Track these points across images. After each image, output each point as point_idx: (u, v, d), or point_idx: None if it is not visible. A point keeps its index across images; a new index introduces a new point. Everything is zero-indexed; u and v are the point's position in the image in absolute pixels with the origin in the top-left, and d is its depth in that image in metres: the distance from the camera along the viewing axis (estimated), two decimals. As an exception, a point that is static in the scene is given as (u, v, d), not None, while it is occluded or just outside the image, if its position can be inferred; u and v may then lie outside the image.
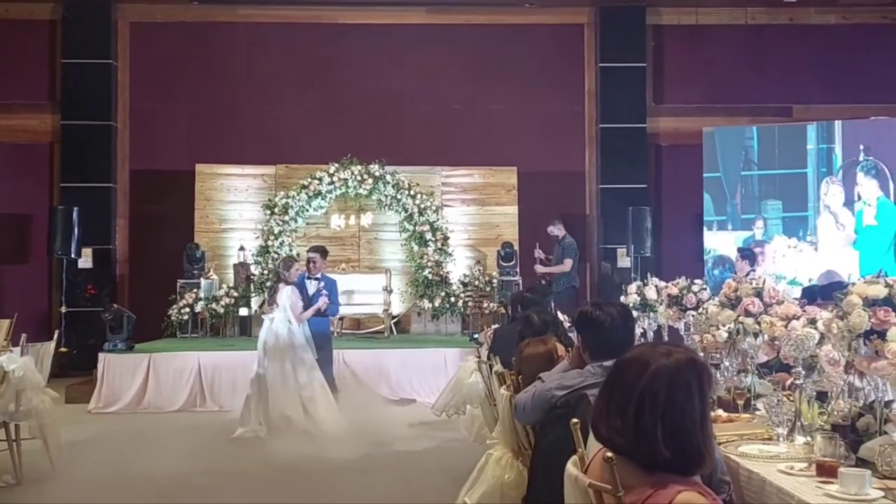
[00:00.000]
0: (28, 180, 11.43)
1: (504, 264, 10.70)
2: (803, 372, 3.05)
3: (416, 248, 10.91)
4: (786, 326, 3.07)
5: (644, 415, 1.98)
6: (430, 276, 10.66)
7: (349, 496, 5.43)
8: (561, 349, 3.90)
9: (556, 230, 10.53)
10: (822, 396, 3.20)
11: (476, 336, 8.73)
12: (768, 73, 11.83)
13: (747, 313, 3.51)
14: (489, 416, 4.89)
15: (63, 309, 10.66)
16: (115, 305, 9.51)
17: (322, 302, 7.56)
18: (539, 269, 10.43)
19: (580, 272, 11.79)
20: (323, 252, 7.97)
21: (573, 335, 4.52)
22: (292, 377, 7.14)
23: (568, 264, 10.35)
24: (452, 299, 10.55)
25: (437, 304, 10.53)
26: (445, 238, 10.87)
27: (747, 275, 6.35)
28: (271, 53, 11.73)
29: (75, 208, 10.70)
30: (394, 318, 10.50)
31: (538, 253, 10.53)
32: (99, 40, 11.43)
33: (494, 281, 10.65)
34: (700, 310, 4.27)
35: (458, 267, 11.00)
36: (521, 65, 11.88)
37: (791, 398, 3.23)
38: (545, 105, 11.91)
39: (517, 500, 3.85)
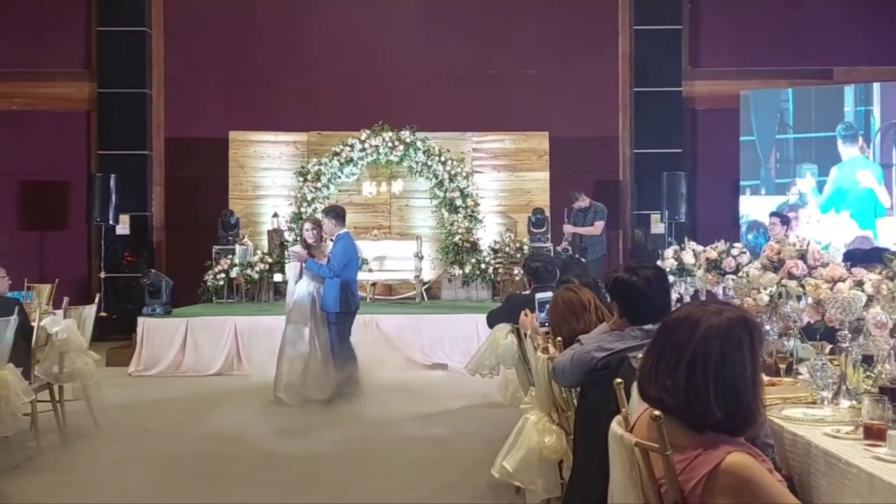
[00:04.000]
0: (66, 148, 11.57)
1: (535, 231, 10.66)
2: (849, 335, 3.02)
3: (446, 214, 10.90)
4: (831, 289, 3.02)
5: (695, 375, 1.97)
6: (460, 243, 10.66)
7: (383, 458, 5.49)
8: (595, 303, 3.89)
9: (582, 202, 10.38)
10: (866, 360, 3.17)
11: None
12: (808, 34, 11.57)
13: (790, 276, 3.47)
14: (524, 378, 4.90)
15: (103, 274, 10.83)
16: (153, 271, 9.64)
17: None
18: (568, 228, 10.35)
19: (612, 239, 11.73)
20: (328, 212, 7.53)
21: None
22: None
23: (599, 226, 10.22)
24: (483, 266, 10.55)
25: (467, 270, 10.54)
26: (476, 204, 10.84)
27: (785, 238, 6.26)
28: (304, 20, 11.70)
29: (112, 175, 10.83)
30: (425, 284, 10.53)
31: (567, 227, 10.49)
32: (133, 8, 11.47)
33: (525, 247, 10.62)
34: (740, 273, 4.22)
35: (489, 233, 10.98)
36: (554, 28, 11.74)
37: (835, 362, 3.20)
38: (578, 69, 11.77)
39: (555, 463, 3.87)
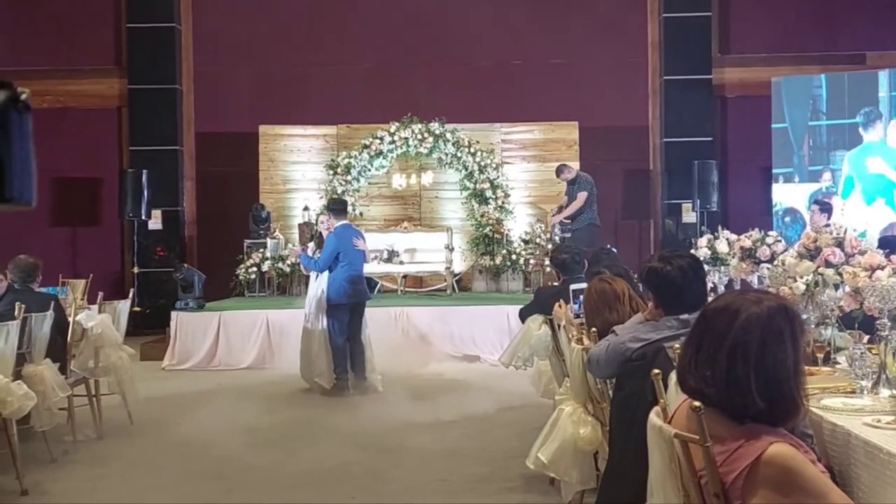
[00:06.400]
0: (97, 144, 11.70)
1: (565, 221, 10.60)
2: (888, 323, 2.96)
3: (476, 205, 10.88)
4: (870, 277, 2.97)
5: (736, 365, 1.94)
6: (490, 234, 10.64)
7: (416, 450, 5.49)
8: (629, 294, 3.85)
9: (567, 174, 10.16)
10: (907, 349, 3.11)
11: (539, 293, 8.69)
12: (839, 18, 11.38)
13: (827, 264, 3.42)
14: (557, 370, 4.88)
15: (135, 269, 10.95)
16: (185, 265, 9.73)
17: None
18: (555, 219, 10.26)
19: (643, 229, 11.65)
20: (326, 206, 7.78)
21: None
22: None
23: (581, 197, 9.93)
24: (514, 257, 10.52)
25: (498, 261, 10.52)
26: (506, 195, 10.81)
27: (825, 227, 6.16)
28: (331, 13, 11.73)
29: (144, 171, 10.93)
30: (456, 275, 10.52)
31: (553, 211, 10.41)
32: (162, 4, 11.55)
33: (556, 238, 10.57)
34: (776, 262, 4.16)
35: (519, 224, 10.95)
36: (582, 17, 11.65)
37: (874, 351, 3.15)
38: (607, 58, 11.69)
39: (591, 455, 3.85)
